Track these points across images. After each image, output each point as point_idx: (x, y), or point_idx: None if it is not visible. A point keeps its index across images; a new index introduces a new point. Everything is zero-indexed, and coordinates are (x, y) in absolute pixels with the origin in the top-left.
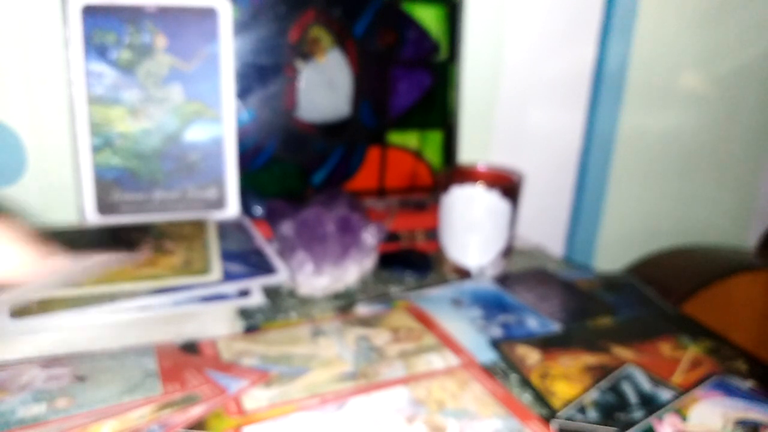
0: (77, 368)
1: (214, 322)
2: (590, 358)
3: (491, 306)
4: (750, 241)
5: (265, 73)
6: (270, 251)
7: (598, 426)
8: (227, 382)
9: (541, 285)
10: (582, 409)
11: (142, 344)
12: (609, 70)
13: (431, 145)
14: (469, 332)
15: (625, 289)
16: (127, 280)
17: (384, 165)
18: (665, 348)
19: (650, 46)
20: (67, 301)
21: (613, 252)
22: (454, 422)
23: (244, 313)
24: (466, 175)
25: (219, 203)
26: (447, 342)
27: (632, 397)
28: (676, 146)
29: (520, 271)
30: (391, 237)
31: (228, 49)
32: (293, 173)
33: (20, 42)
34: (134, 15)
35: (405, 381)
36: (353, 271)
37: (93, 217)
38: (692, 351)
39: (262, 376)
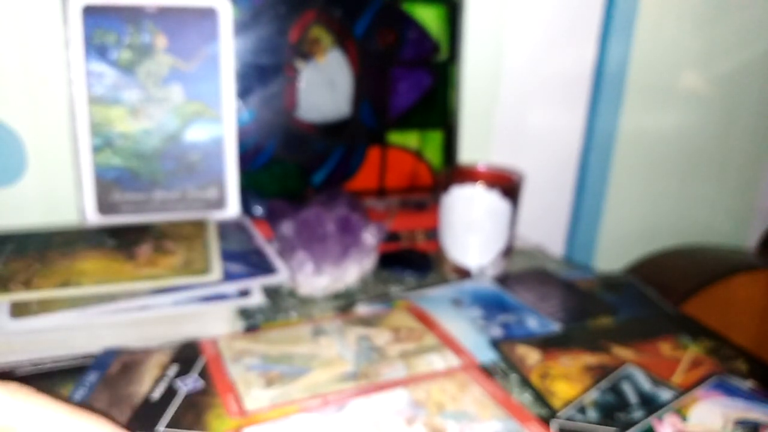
0: None
1: (214, 322)
2: (590, 358)
3: (491, 306)
4: (750, 241)
5: (265, 73)
6: (270, 251)
7: (598, 426)
8: None
9: (541, 285)
10: (582, 409)
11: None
12: (609, 70)
13: (431, 145)
14: (470, 332)
15: (625, 289)
16: (127, 280)
17: (384, 165)
18: (665, 348)
19: (650, 46)
20: (67, 301)
21: (613, 252)
22: (453, 424)
23: (245, 313)
24: (466, 175)
25: (219, 203)
26: (447, 342)
27: (632, 397)
28: (676, 146)
29: (520, 271)
30: (391, 237)
31: (228, 49)
32: (293, 173)
33: (20, 42)
34: (134, 15)
35: (405, 383)
36: (353, 271)
37: (93, 217)
38: (692, 351)
39: None
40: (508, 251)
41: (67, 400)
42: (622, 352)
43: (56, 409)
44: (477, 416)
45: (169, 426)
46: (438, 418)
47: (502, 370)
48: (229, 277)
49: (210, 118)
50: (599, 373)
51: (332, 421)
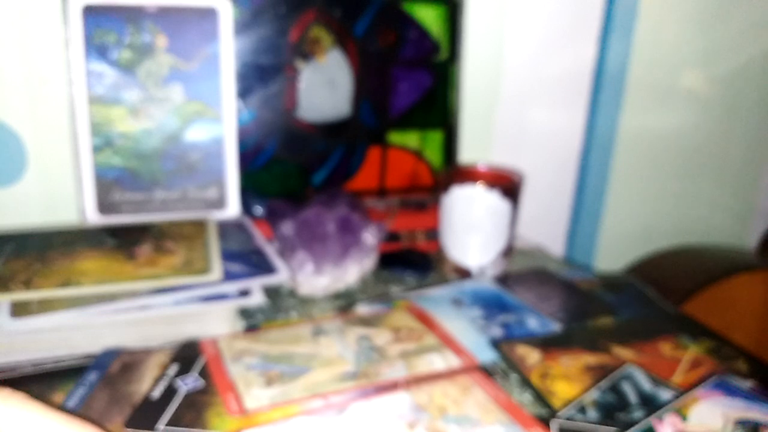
0: None
1: (215, 322)
2: (590, 358)
3: (491, 306)
4: (750, 241)
5: (265, 73)
6: (270, 251)
7: (598, 426)
8: None
9: (541, 285)
10: (582, 409)
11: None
12: (609, 70)
13: (431, 145)
14: (470, 332)
15: (625, 289)
16: (127, 280)
17: (384, 165)
18: (665, 348)
19: (650, 46)
20: (67, 301)
21: (613, 252)
22: (455, 428)
23: (245, 313)
24: (467, 175)
25: (219, 203)
26: (448, 342)
27: (632, 397)
28: (676, 146)
29: (521, 271)
30: (392, 237)
31: (228, 49)
32: (293, 173)
33: (21, 42)
34: (135, 15)
35: (407, 386)
36: (353, 271)
37: (93, 217)
38: (692, 351)
39: None
40: (508, 251)
41: (61, 406)
42: (622, 352)
43: (48, 415)
44: (479, 420)
45: (169, 425)
46: (440, 422)
47: (502, 370)
48: (229, 277)
49: (210, 118)
50: (599, 373)
51: (333, 424)
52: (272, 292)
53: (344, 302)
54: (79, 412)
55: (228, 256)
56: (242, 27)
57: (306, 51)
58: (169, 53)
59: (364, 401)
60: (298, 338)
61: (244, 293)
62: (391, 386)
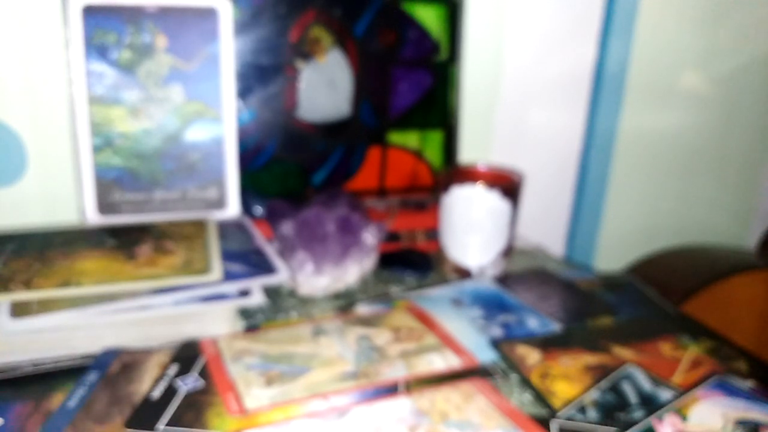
0: None
1: (215, 322)
2: (590, 358)
3: (491, 306)
4: (750, 241)
5: (265, 73)
6: (270, 251)
7: (598, 426)
8: None
9: (541, 285)
10: (582, 409)
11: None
12: (609, 70)
13: (431, 145)
14: (470, 332)
15: (625, 289)
16: (127, 280)
17: (384, 165)
18: (665, 348)
19: (650, 46)
20: (67, 301)
21: (613, 252)
22: None
23: (245, 313)
24: (467, 175)
25: (219, 203)
26: (447, 342)
27: (632, 397)
28: (676, 146)
29: (521, 271)
30: (392, 237)
31: (228, 49)
32: (293, 173)
33: (21, 42)
34: (135, 15)
35: (409, 392)
36: (353, 271)
37: (93, 217)
38: (692, 351)
39: None
40: (508, 251)
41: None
42: (622, 352)
43: None
44: (481, 425)
45: (169, 424)
46: (441, 426)
47: (502, 370)
48: (229, 277)
49: (210, 118)
50: (599, 373)
51: (333, 428)
52: (272, 292)
53: (344, 302)
54: (79, 412)
55: (228, 256)
56: (242, 27)
57: (306, 51)
58: (169, 53)
59: (366, 405)
60: (298, 338)
61: (244, 293)
62: (391, 386)
